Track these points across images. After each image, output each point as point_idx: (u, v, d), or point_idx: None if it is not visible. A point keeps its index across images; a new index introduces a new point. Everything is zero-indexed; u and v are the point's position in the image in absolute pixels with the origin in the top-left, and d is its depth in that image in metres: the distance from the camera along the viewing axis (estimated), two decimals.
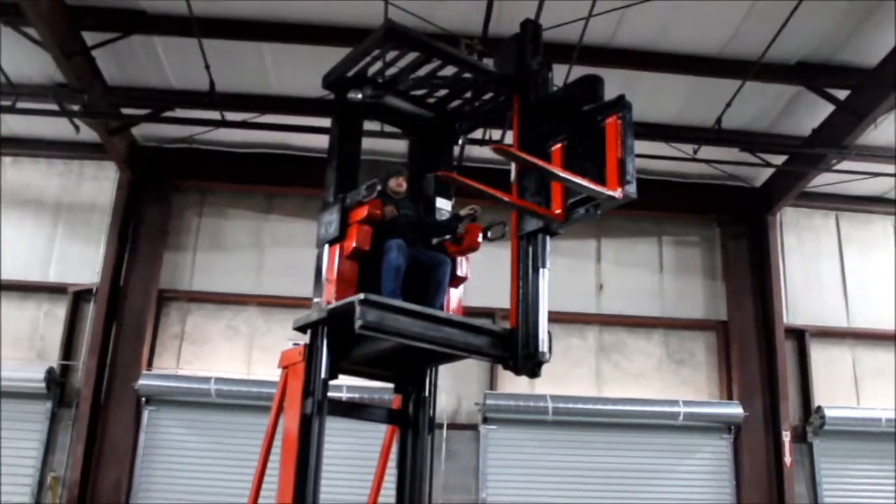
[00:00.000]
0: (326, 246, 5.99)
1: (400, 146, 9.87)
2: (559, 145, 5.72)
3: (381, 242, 5.92)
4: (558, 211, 5.62)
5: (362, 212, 5.85)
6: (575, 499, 12.26)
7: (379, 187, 5.92)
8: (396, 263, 5.87)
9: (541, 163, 5.27)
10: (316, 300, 5.89)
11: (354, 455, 10.56)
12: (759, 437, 12.72)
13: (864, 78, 10.76)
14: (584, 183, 5.17)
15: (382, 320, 5.27)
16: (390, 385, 6.68)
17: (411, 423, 6.41)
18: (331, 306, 5.65)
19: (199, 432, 12.25)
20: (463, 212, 6.45)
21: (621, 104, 5.36)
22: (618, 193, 5.13)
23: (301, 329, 5.86)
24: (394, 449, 6.57)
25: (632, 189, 5.17)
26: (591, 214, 5.53)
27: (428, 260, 6.21)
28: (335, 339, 5.73)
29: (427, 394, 6.48)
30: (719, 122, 11.55)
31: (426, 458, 6.31)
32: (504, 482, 12.28)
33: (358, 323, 5.15)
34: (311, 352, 5.74)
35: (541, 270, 5.78)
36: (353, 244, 5.81)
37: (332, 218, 5.99)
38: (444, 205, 6.71)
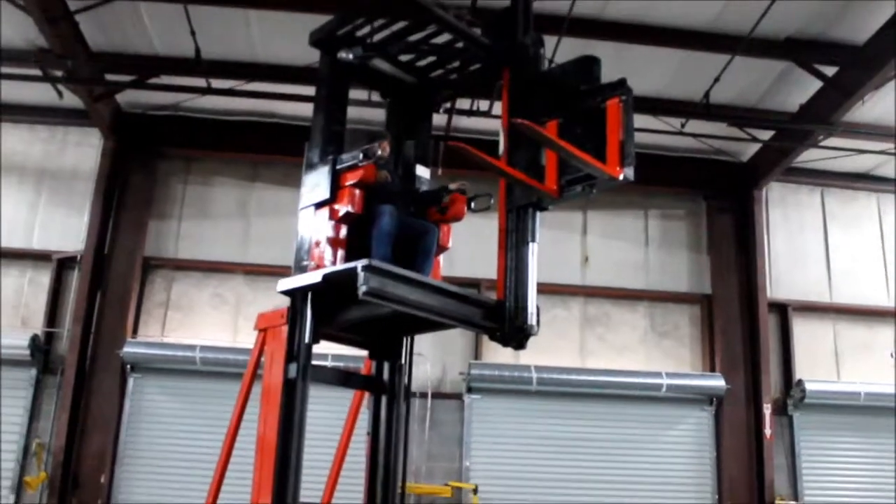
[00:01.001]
0: (312, 208, 5.92)
1: (374, 115, 9.73)
2: (553, 122, 5.71)
3: (370, 207, 5.87)
4: (555, 187, 5.63)
5: (356, 175, 5.77)
6: (558, 468, 12.39)
7: (379, 152, 5.88)
8: (389, 229, 5.81)
9: (559, 141, 5.24)
10: (304, 262, 5.80)
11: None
12: (741, 409, 12.88)
13: (853, 55, 10.75)
14: (594, 163, 5.20)
15: (385, 287, 5.23)
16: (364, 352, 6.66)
17: (388, 390, 6.41)
18: (327, 270, 5.57)
19: (184, 400, 12.29)
20: (452, 186, 6.43)
21: (623, 87, 5.43)
22: (619, 175, 5.25)
23: (288, 293, 5.79)
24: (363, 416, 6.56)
25: (631, 172, 5.28)
26: (587, 192, 5.60)
27: (416, 227, 6.19)
28: (320, 303, 5.69)
29: (404, 361, 6.49)
30: (707, 97, 11.54)
31: (402, 425, 6.33)
32: (487, 451, 12.41)
33: (362, 289, 5.09)
34: (294, 315, 5.69)
35: (530, 244, 5.79)
36: (347, 208, 5.75)
37: (320, 179, 5.92)
38: (423, 172, 6.67)
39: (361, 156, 5.75)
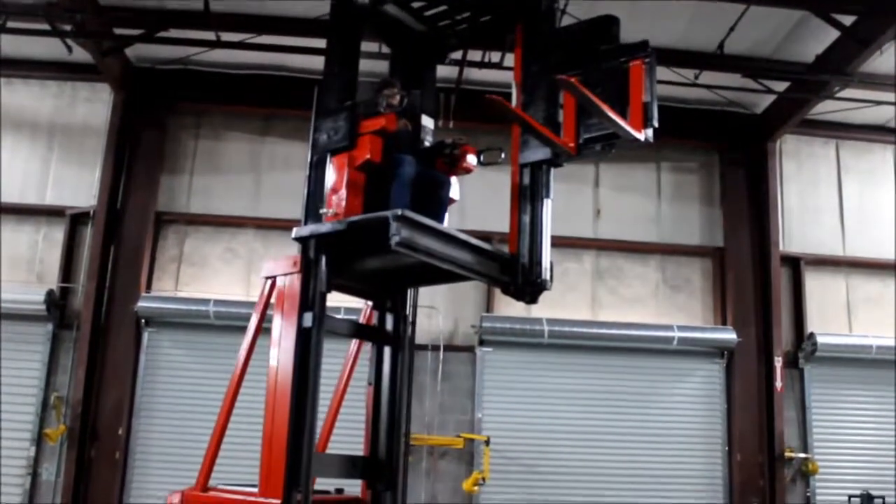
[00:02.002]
0: (328, 154, 5.83)
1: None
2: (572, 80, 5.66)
3: (386, 156, 5.79)
4: (572, 145, 5.61)
5: (377, 123, 5.70)
6: (569, 420, 12.51)
7: (405, 100, 5.78)
8: (409, 179, 5.75)
9: (595, 99, 5.20)
10: (321, 210, 5.69)
11: None
12: (752, 362, 12.92)
13: (872, 4, 10.55)
14: (622, 123, 5.18)
15: (414, 238, 5.19)
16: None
17: (393, 341, 6.38)
18: (353, 218, 5.46)
19: (198, 353, 12.42)
20: (449, 140, 6.39)
21: (646, 49, 5.41)
22: (641, 136, 5.26)
23: (304, 240, 5.70)
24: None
25: (651, 133, 5.29)
26: (606, 151, 5.61)
27: (432, 178, 6.13)
28: (335, 251, 5.62)
29: (409, 311, 6.46)
30: (722, 47, 11.40)
31: (405, 375, 6.32)
32: (499, 403, 12.52)
33: (394, 240, 5.03)
34: (308, 263, 5.61)
35: (544, 200, 5.76)
36: (367, 156, 5.67)
37: (338, 125, 5.82)
38: (428, 122, 6.61)
39: (385, 103, 5.69)
